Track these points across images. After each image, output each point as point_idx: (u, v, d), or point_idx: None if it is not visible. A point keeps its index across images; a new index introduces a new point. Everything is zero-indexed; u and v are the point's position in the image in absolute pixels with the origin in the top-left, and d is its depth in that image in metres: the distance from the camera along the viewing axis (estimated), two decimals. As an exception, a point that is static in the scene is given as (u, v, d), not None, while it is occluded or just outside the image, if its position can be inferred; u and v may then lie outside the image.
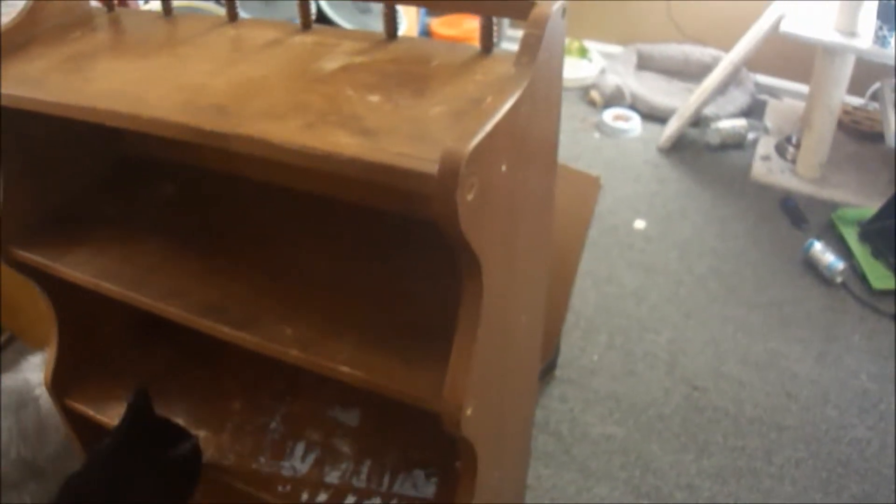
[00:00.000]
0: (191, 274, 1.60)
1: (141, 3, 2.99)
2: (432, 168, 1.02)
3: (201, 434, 1.85)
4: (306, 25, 1.58)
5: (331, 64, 1.40)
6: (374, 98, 1.26)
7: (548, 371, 2.88)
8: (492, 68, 1.36)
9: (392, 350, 1.39)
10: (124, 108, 1.30)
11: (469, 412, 1.25)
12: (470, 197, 1.04)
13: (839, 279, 3.44)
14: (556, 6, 1.23)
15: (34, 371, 2.37)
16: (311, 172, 1.80)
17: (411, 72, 1.37)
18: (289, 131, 1.17)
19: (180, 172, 1.93)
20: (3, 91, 1.43)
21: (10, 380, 2.36)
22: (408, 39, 1.51)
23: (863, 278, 3.47)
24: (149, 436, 1.69)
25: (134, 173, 1.94)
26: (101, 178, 1.91)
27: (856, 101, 4.54)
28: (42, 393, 2.25)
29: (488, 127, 1.05)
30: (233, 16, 1.65)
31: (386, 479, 1.73)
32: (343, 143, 1.13)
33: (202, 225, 1.77)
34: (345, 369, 1.36)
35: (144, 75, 1.44)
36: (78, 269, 1.63)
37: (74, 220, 1.79)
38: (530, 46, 1.19)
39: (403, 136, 1.15)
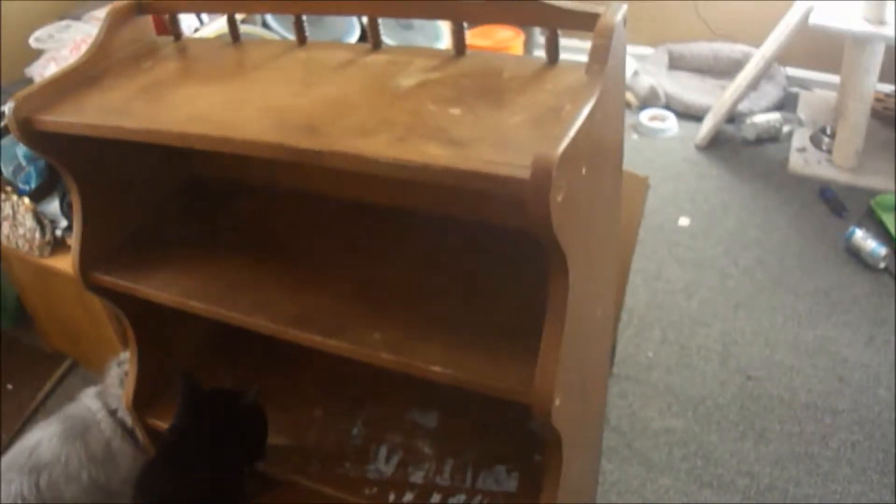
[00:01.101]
0: (274, 288, 1.67)
1: (191, 30, 3.06)
2: (524, 173, 1.09)
3: (283, 443, 1.91)
4: (376, 45, 1.65)
5: (408, 81, 1.47)
6: (456, 111, 1.33)
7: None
8: (560, 78, 1.43)
9: (479, 348, 1.46)
10: (215, 131, 1.37)
11: (558, 402, 1.31)
12: (559, 198, 1.11)
13: (882, 264, 3.48)
14: (619, 16, 1.30)
15: (93, 399, 2.42)
16: (382, 185, 1.88)
17: (486, 85, 1.44)
18: (381, 145, 1.24)
19: (251, 191, 2.00)
20: (89, 121, 1.50)
21: (73, 408, 2.41)
22: (475, 55, 1.57)
23: (906, 263, 3.51)
24: (208, 408, 1.79)
25: (205, 194, 2.02)
26: (173, 201, 1.98)
27: (888, 88, 4.55)
28: (104, 417, 2.30)
29: (572, 132, 1.12)
30: (301, 39, 1.72)
31: (469, 476, 1.80)
32: (434, 153, 1.20)
33: (279, 242, 1.83)
34: (437, 369, 1.42)
35: (226, 99, 1.51)
36: (164, 290, 1.70)
37: (151, 242, 1.86)
38: (599, 56, 1.26)
39: (490, 145, 1.22)
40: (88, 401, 2.39)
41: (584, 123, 1.17)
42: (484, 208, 1.78)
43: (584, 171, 1.22)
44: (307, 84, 1.52)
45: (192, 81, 1.64)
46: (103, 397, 2.30)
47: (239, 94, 1.52)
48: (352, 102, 1.40)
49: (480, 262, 1.69)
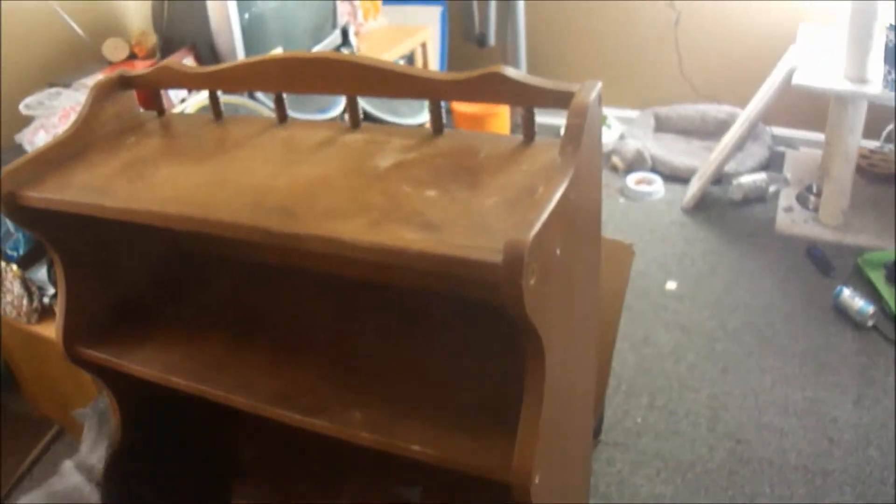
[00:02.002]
0: (256, 366, 1.67)
1: (178, 103, 3.09)
2: (496, 258, 1.10)
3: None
4: (355, 124, 1.66)
5: (384, 161, 1.48)
6: (431, 193, 1.34)
7: (594, 436, 2.92)
8: (536, 157, 1.45)
9: (458, 426, 1.46)
10: (194, 212, 1.38)
11: (537, 480, 1.31)
12: (532, 282, 1.11)
13: (870, 323, 3.47)
14: (593, 93, 1.31)
15: (74, 472, 2.39)
16: (362, 262, 1.88)
17: (462, 165, 1.45)
18: (357, 230, 1.25)
19: (234, 265, 2.00)
20: (72, 199, 1.51)
21: (57, 484, 2.40)
22: (453, 133, 1.59)
23: (894, 320, 3.50)
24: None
25: (189, 267, 2.02)
26: (156, 274, 1.99)
27: (871, 144, 4.58)
28: (90, 492, 2.29)
29: (543, 216, 1.14)
30: (282, 117, 1.73)
31: (452, 553, 1.78)
32: (409, 238, 1.21)
33: (260, 317, 1.84)
34: (416, 448, 1.43)
35: (206, 179, 1.52)
36: (146, 365, 1.71)
37: (134, 316, 1.87)
38: (573, 136, 1.28)
39: (464, 229, 1.23)
40: (71, 476, 2.37)
41: (557, 205, 1.18)
42: (462, 283, 1.77)
43: (557, 251, 1.23)
44: (286, 163, 1.54)
45: (173, 160, 1.65)
46: (84, 467, 2.28)
47: (219, 175, 1.54)
48: (329, 184, 1.42)
49: (460, 338, 1.70)
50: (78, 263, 1.76)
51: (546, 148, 1.47)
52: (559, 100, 1.37)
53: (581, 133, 1.28)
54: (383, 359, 1.66)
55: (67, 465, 2.44)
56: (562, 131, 1.30)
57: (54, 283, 2.66)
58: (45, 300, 2.67)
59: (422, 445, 1.42)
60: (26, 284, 2.63)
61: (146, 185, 1.54)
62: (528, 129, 1.50)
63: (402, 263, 1.21)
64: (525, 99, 1.44)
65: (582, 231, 1.41)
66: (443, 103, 1.58)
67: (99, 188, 1.54)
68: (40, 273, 2.72)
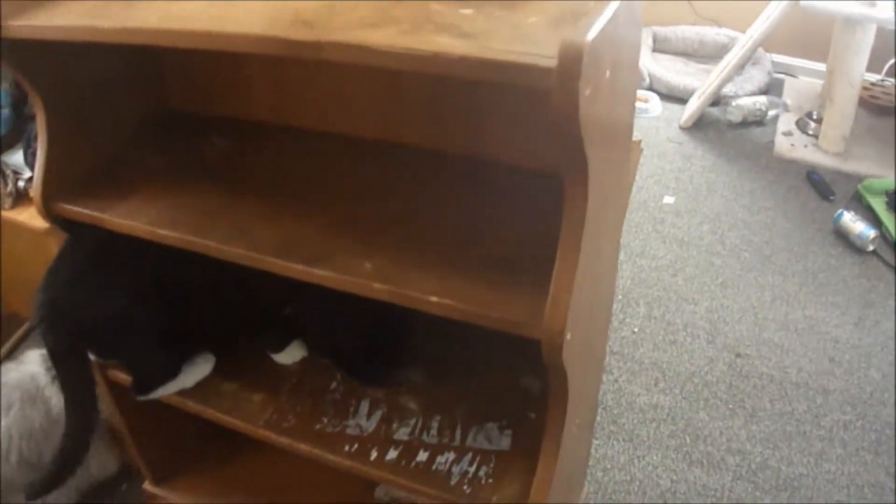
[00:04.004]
0: (252, 217, 1.54)
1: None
2: (549, 62, 0.97)
3: (257, 397, 1.78)
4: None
5: (412, -16, 1.34)
6: (467, 11, 1.21)
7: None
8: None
9: (481, 279, 1.34)
10: (201, 26, 1.24)
11: (569, 337, 1.20)
12: (587, 92, 0.99)
13: (871, 247, 3.43)
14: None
15: (38, 363, 2.28)
16: (370, 117, 1.75)
17: (495, -11, 1.31)
18: (387, 37, 1.11)
19: (228, 123, 1.87)
20: (63, 23, 1.37)
21: (15, 372, 2.27)
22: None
23: (894, 245, 3.45)
24: None
25: (179, 127, 1.88)
26: (144, 132, 1.84)
27: (873, 77, 4.50)
28: (48, 383, 2.18)
29: (601, 23, 1.01)
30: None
31: (458, 434, 1.67)
32: (447, 44, 1.08)
33: (257, 173, 1.71)
34: (434, 299, 1.30)
35: (204, 4, 1.36)
36: (131, 218, 1.56)
37: (120, 172, 1.71)
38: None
39: (507, 39, 1.10)
40: (33, 366, 2.25)
41: (610, 21, 1.05)
42: (479, 143, 1.66)
43: (607, 74, 1.10)
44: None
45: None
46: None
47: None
48: (348, 4, 1.27)
49: (476, 196, 1.58)
50: (62, 113, 1.61)
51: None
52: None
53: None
54: (392, 212, 1.53)
55: (31, 354, 2.32)
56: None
57: (31, 167, 2.53)
58: (21, 184, 2.55)
59: (440, 296, 1.30)
60: (1, 168, 2.51)
61: (144, 7, 1.38)
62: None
63: (438, 72, 1.07)
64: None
65: (624, 70, 1.28)
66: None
67: (92, 13, 1.38)
68: (16, 157, 2.61)
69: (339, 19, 1.20)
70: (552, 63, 0.96)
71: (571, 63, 0.95)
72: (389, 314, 1.54)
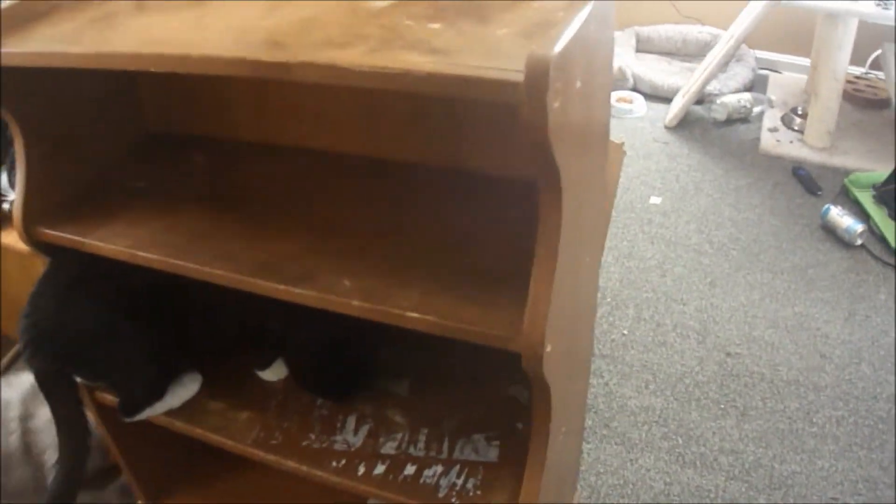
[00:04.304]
0: (236, 238, 1.54)
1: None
2: (517, 77, 0.97)
3: (244, 415, 1.78)
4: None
5: (380, 2, 1.34)
6: (436, 26, 1.21)
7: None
8: (547, -4, 1.31)
9: (461, 293, 1.33)
10: (172, 51, 1.24)
11: (549, 349, 1.20)
12: (556, 104, 0.99)
13: (859, 241, 3.43)
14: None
15: (14, 389, 2.26)
16: (349, 133, 1.75)
17: (466, 2, 1.31)
18: (355, 56, 1.11)
19: (209, 144, 1.87)
20: (36, 50, 1.36)
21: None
22: (454, -24, 1.45)
23: (882, 239, 3.45)
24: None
25: (159, 149, 1.88)
26: (125, 156, 1.84)
27: (856, 70, 4.51)
28: (15, 416, 2.15)
29: (568, 34, 1.01)
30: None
31: (445, 446, 1.67)
32: (416, 61, 1.07)
33: (240, 192, 1.71)
34: (414, 315, 1.30)
35: (184, 25, 1.36)
36: (113, 241, 1.55)
37: (103, 195, 1.71)
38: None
39: (477, 54, 1.10)
40: (8, 392, 2.23)
41: (580, 31, 1.05)
42: (459, 155, 1.66)
43: (578, 84, 1.10)
44: (270, 8, 1.38)
45: (146, 12, 1.48)
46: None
47: (197, 21, 1.38)
48: (321, 21, 1.27)
49: (457, 208, 1.57)
50: (40, 138, 1.61)
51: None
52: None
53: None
54: (373, 228, 1.53)
55: (16, 379, 2.30)
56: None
57: (15, 189, 2.52)
58: (6, 206, 2.53)
59: (420, 312, 1.29)
60: (-15, 190, 2.50)
61: (118, 34, 1.38)
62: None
63: (407, 89, 1.07)
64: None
65: (598, 80, 1.28)
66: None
67: (65, 39, 1.38)
68: (1, 179, 2.58)
69: (309, 39, 1.20)
70: (520, 77, 0.96)
71: (539, 77, 0.95)
72: (352, 328, 1.55)
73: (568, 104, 1.05)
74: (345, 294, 1.36)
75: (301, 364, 1.79)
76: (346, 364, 1.76)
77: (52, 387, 1.67)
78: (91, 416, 1.84)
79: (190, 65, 1.21)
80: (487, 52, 1.11)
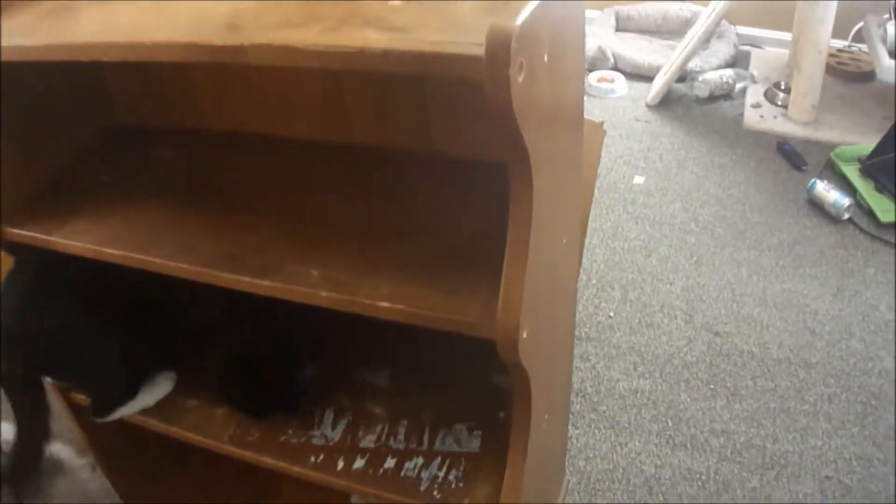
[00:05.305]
0: (200, 230, 1.50)
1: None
2: (477, 51, 0.92)
3: (220, 412, 1.74)
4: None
5: (339, -19, 1.29)
6: (397, 3, 1.16)
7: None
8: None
9: (433, 281, 1.30)
10: (126, 38, 1.19)
11: (525, 334, 1.16)
12: (520, 78, 0.94)
13: (846, 215, 3.38)
14: None
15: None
16: (315, 118, 1.71)
17: (429, -22, 1.27)
18: (311, 36, 1.07)
19: (175, 136, 1.82)
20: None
21: None
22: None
23: (869, 213, 3.41)
24: None
25: (126, 141, 1.84)
26: (91, 149, 1.80)
27: (839, 43, 4.47)
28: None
29: (532, 4, 0.96)
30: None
31: (426, 437, 1.64)
32: (373, 38, 1.03)
33: (205, 184, 1.67)
34: (384, 304, 1.26)
35: (138, 13, 1.32)
36: (77, 238, 1.52)
37: (67, 191, 1.68)
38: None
39: (436, 30, 1.06)
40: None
41: (544, 4, 1.00)
42: (428, 138, 1.62)
43: (545, 58, 1.05)
44: (226, -7, 1.34)
45: (98, 4, 1.45)
46: None
47: (157, 7, 1.33)
48: (281, 2, 1.22)
49: (427, 193, 1.54)
50: (3, 135, 1.57)
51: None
52: None
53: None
54: (341, 216, 1.50)
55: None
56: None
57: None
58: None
59: (391, 301, 1.26)
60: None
61: (74, 24, 1.33)
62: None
63: (363, 68, 1.02)
64: None
65: (568, 57, 1.24)
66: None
67: (18, 32, 1.34)
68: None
69: (267, 20, 1.16)
70: (480, 51, 0.92)
71: (499, 49, 0.90)
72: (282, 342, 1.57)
73: (534, 79, 1.01)
74: (312, 285, 1.32)
75: (225, 370, 1.74)
76: (269, 379, 1.72)
77: (17, 390, 1.63)
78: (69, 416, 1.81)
79: (142, 52, 1.17)
80: (449, 28, 1.06)
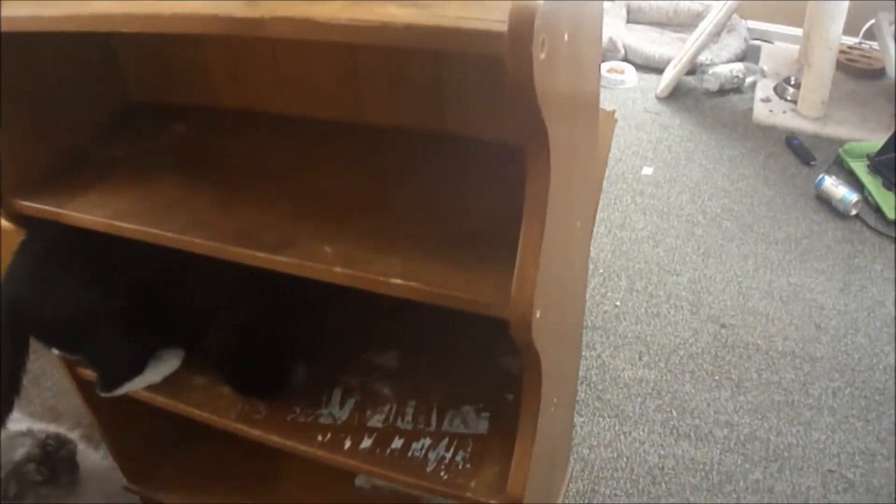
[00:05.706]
0: (214, 206, 1.50)
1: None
2: (500, 27, 0.92)
3: (227, 390, 1.74)
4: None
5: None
6: (416, -21, 1.16)
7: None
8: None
9: (447, 259, 1.29)
10: (142, 9, 1.19)
11: (538, 315, 1.16)
12: (542, 55, 0.94)
13: (853, 211, 3.38)
14: None
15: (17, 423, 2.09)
16: (330, 97, 1.71)
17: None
18: (332, 10, 1.06)
19: (188, 114, 1.82)
20: (9, 14, 1.31)
21: None
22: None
23: (877, 209, 3.41)
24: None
25: (140, 119, 1.84)
26: (105, 127, 1.80)
27: (850, 40, 4.46)
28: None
29: (555, -17, 0.96)
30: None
31: (434, 418, 1.63)
32: (395, 13, 1.02)
33: (219, 160, 1.66)
34: (397, 282, 1.26)
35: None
36: (89, 212, 1.51)
37: (80, 166, 1.67)
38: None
39: (460, 5, 1.04)
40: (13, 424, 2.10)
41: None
42: (443, 118, 1.61)
43: (566, 37, 1.05)
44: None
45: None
46: None
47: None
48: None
49: (442, 173, 1.53)
50: (16, 109, 1.56)
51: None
52: None
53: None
54: (355, 194, 1.49)
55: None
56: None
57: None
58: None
59: (404, 279, 1.25)
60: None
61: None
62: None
63: (385, 43, 1.02)
64: None
65: (587, 39, 1.24)
66: None
67: (39, 2, 1.33)
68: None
69: (283, -4, 1.15)
70: (503, 27, 0.91)
71: (523, 25, 0.90)
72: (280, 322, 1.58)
73: (555, 58, 1.01)
74: (326, 261, 1.32)
75: (222, 349, 1.74)
76: (266, 360, 1.72)
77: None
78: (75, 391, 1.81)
79: (160, 23, 1.17)
80: (472, 4, 1.06)
